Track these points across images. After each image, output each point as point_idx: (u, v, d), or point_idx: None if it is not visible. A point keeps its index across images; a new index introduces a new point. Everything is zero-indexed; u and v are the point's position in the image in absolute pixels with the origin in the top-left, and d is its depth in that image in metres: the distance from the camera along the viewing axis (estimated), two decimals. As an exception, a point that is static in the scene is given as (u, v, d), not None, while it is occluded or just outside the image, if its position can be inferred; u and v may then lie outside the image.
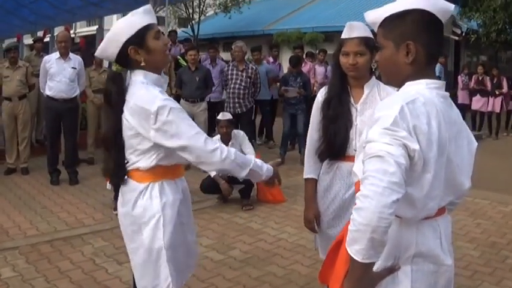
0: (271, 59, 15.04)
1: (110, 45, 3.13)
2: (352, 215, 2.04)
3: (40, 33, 21.71)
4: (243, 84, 10.99)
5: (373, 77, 3.75)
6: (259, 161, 3.27)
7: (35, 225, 7.29)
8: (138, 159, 3.13)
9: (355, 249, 2.03)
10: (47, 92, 9.46)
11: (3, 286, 5.35)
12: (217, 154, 2.99)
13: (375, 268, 2.20)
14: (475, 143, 2.48)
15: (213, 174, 8.06)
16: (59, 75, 9.34)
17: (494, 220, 7.66)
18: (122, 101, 3.09)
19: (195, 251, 3.56)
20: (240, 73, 11.03)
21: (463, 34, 24.29)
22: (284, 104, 11.61)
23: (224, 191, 8.09)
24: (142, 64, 3.08)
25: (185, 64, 11.91)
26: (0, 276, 5.56)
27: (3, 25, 27.05)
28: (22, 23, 26.53)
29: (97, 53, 3.27)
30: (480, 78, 17.24)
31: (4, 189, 9.11)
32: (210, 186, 8.26)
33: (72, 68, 9.45)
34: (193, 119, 10.57)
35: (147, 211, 3.12)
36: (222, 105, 11.32)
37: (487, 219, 7.67)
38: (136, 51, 3.07)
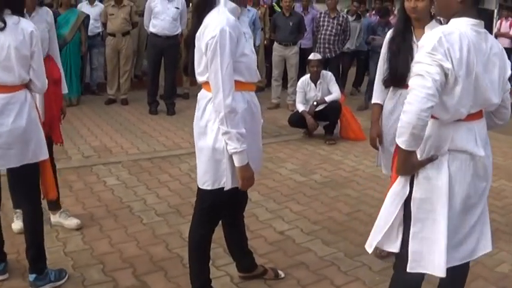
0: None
1: None
2: (400, 116, 2.84)
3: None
4: (333, 31, 11.35)
5: (434, 20, 4.40)
6: None
7: (135, 145, 8.08)
8: (206, 71, 3.46)
9: (401, 140, 2.84)
10: (151, 29, 10.12)
11: (108, 191, 6.16)
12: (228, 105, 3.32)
13: (419, 158, 3.00)
14: (509, 72, 3.16)
15: (301, 109, 8.76)
16: (162, 14, 9.97)
17: None
18: (206, 12, 3.49)
19: (256, 157, 3.74)
20: (331, 20, 11.38)
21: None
22: (371, 52, 11.82)
23: (310, 125, 8.69)
24: None
25: (279, 10, 12.37)
26: (106, 183, 6.37)
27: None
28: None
29: None
30: None
31: (106, 116, 9.95)
32: (297, 120, 8.91)
33: (176, 7, 10.05)
34: (285, 62, 11.20)
35: (212, 115, 3.45)
36: (312, 51, 11.63)
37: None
38: None
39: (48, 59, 4.74)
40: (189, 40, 3.69)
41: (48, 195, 4.38)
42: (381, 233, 3.16)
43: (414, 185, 3.02)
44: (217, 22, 3.37)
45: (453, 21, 2.99)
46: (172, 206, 5.78)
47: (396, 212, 3.08)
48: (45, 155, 4.15)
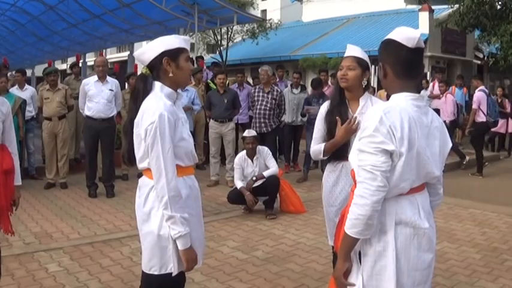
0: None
1: (149, 50, 3.62)
2: (351, 208, 2.93)
3: (71, 59, 22.61)
4: (268, 105, 11.63)
5: (367, 92, 4.58)
6: None
7: (76, 230, 8.01)
8: (146, 157, 3.52)
9: (355, 231, 2.91)
10: (86, 112, 10.16)
11: (51, 278, 6.05)
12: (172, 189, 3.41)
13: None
14: (449, 146, 3.23)
15: (239, 186, 8.85)
16: (97, 96, 10.04)
17: (500, 229, 8.20)
18: (143, 97, 3.57)
19: (200, 242, 3.81)
20: (265, 95, 11.68)
21: (485, 58, 24.67)
22: (307, 124, 12.06)
23: (249, 201, 8.78)
24: (171, 75, 3.58)
25: (215, 87, 12.57)
26: (48, 270, 6.27)
27: (36, 51, 28.06)
28: (54, 49, 27.59)
29: (135, 54, 3.77)
30: (499, 100, 17.36)
31: (46, 201, 9.88)
32: (236, 197, 8.99)
33: (110, 90, 10.14)
34: (222, 138, 11.28)
35: (156, 202, 3.49)
36: (249, 127, 11.85)
37: (493, 229, 8.23)
38: (168, 63, 3.56)
39: (0, 148, 4.70)
40: (126, 127, 3.75)
41: None
42: None
43: (362, 262, 3.06)
44: (155, 107, 3.44)
45: (393, 97, 3.09)
46: (115, 291, 5.73)
47: None
48: None
